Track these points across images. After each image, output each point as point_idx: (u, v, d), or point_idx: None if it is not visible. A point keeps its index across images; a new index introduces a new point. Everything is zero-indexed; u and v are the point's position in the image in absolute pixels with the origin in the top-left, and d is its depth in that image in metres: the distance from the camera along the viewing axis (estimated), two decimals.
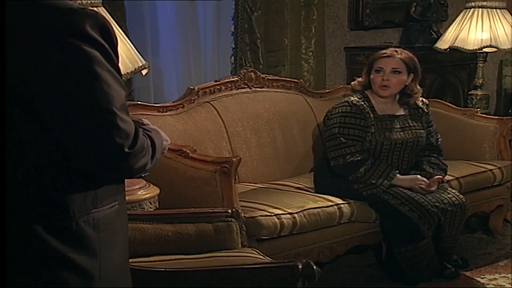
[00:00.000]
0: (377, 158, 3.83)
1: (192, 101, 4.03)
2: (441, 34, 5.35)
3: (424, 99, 4.09)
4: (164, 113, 3.89)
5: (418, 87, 3.99)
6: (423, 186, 3.81)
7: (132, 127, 1.65)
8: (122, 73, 3.11)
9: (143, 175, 1.78)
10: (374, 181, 3.76)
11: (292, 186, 3.96)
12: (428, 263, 3.80)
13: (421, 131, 3.99)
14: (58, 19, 1.58)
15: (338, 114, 3.87)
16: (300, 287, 2.31)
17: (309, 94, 4.55)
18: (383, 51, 3.96)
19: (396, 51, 3.95)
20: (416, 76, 3.96)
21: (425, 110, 4.06)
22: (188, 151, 3.47)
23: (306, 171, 4.26)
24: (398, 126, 3.93)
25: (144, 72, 3.45)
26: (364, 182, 3.77)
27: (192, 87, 4.07)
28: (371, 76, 3.94)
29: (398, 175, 3.82)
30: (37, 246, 1.62)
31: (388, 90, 3.91)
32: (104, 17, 1.65)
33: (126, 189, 1.83)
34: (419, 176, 3.86)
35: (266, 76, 4.38)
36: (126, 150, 1.62)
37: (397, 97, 3.98)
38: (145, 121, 1.93)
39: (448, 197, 3.85)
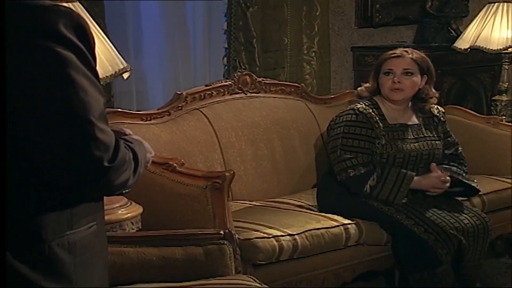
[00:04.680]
0: (389, 169, 3.83)
1: (180, 108, 4.04)
2: (461, 32, 5.37)
3: (439, 107, 4.11)
4: (148, 122, 3.90)
5: (433, 90, 4.01)
6: (435, 187, 3.84)
7: (112, 138, 1.66)
8: (101, 77, 3.13)
9: (124, 191, 1.78)
10: (384, 198, 3.78)
11: (292, 204, 3.96)
12: None
13: (437, 142, 4.00)
14: (28, 18, 1.60)
15: (342, 124, 3.88)
16: None
17: (311, 100, 4.56)
18: (392, 51, 3.98)
19: (406, 51, 3.98)
20: (430, 78, 3.99)
21: (441, 118, 4.08)
22: (175, 164, 3.48)
23: (308, 187, 4.27)
24: (412, 137, 3.94)
25: (125, 75, 3.46)
26: (376, 199, 3.78)
27: (179, 92, 4.08)
28: (380, 79, 3.96)
29: (414, 178, 3.83)
30: (5, 274, 1.62)
31: (401, 93, 3.93)
32: (80, 15, 1.66)
33: (105, 207, 1.84)
34: (431, 174, 3.86)
35: (263, 80, 4.39)
36: (106, 164, 1.63)
37: (410, 103, 4.00)
38: (127, 131, 1.94)
39: (469, 216, 3.86)
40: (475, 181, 4.02)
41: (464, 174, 4.02)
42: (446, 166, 3.99)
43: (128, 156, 1.72)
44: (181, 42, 4.76)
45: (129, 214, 3.19)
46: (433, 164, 3.90)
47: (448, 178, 3.88)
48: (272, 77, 4.72)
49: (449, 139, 4.09)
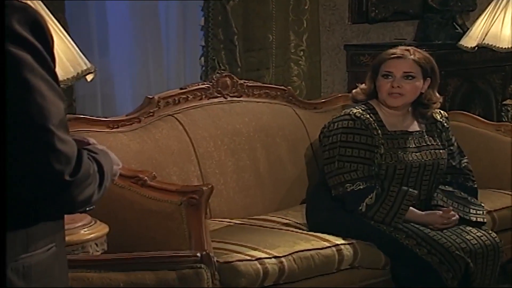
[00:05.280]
0: (389, 186, 3.84)
1: (151, 113, 4.04)
2: (468, 28, 5.39)
3: (442, 112, 4.12)
4: (115, 130, 3.90)
5: (437, 95, 4.02)
6: (440, 225, 3.84)
7: (73, 149, 1.66)
8: (61, 79, 3.12)
9: (87, 209, 1.78)
10: (381, 219, 3.78)
11: (278, 222, 3.97)
12: None
13: (441, 151, 4.01)
14: None
15: (338, 131, 3.89)
16: None
17: (300, 104, 4.57)
18: (392, 51, 3.99)
19: (408, 51, 3.99)
20: (433, 81, 4.00)
21: (445, 124, 4.09)
22: (145, 177, 3.48)
23: (296, 203, 4.27)
24: (413, 145, 3.95)
25: (89, 77, 3.46)
26: (371, 219, 3.79)
27: (150, 96, 4.08)
28: (378, 82, 3.97)
29: (412, 209, 3.84)
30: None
31: (400, 98, 3.93)
32: (36, 10, 1.66)
33: (65, 227, 1.84)
34: (437, 212, 3.88)
35: (245, 82, 4.40)
36: (67, 177, 1.63)
37: (410, 108, 4.01)
38: (91, 140, 1.94)
39: (478, 236, 3.87)
40: (480, 210, 4.01)
41: (471, 190, 4.03)
42: (449, 190, 4.00)
43: (92, 169, 1.72)
44: (152, 39, 4.76)
45: (93, 235, 3.18)
46: (449, 209, 3.91)
47: (456, 217, 3.89)
48: (255, 79, 4.73)
49: (452, 148, 4.09)
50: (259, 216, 4.08)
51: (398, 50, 3.99)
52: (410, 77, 3.94)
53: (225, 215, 4.05)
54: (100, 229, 3.22)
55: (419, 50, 4.05)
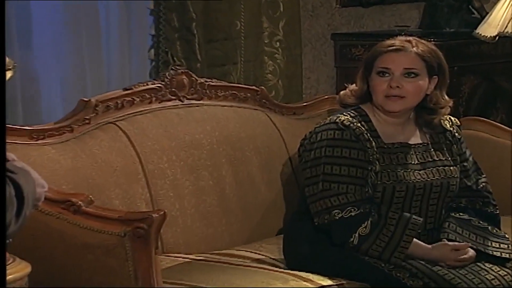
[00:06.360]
0: (387, 212, 3.85)
1: (87, 121, 4.03)
2: (487, 13, 5.42)
3: (453, 118, 4.14)
4: (40, 141, 3.88)
5: (446, 97, 4.04)
6: (452, 261, 3.85)
7: None
8: None
9: None
10: (377, 254, 3.79)
11: (249, 258, 3.98)
12: None
13: (452, 168, 4.03)
14: None
15: (322, 144, 3.89)
16: None
17: (275, 109, 4.58)
18: (389, 43, 3.99)
19: (409, 42, 4.00)
20: (441, 80, 4.01)
21: (456, 134, 4.11)
22: (79, 202, 3.47)
23: (271, 234, 4.29)
24: (416, 161, 3.96)
25: (7, 75, 3.45)
26: (365, 254, 3.80)
27: (86, 99, 4.08)
28: (372, 81, 3.98)
29: (417, 241, 3.85)
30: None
31: (400, 102, 3.94)
32: None
33: None
34: (449, 243, 3.89)
35: (206, 81, 4.40)
36: None
37: (412, 115, 4.03)
38: (9, 155, 1.94)
39: (500, 275, 3.88)
40: (504, 243, 4.02)
41: (491, 217, 4.05)
42: (464, 217, 4.01)
43: (8, 192, 1.72)
44: (88, 28, 4.75)
45: (11, 276, 3.15)
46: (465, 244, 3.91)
47: (472, 252, 3.89)
48: (219, 77, 4.73)
49: (466, 164, 4.10)
50: (224, 251, 4.09)
51: (397, 41, 4.00)
52: (412, 75, 3.94)
53: (181, 249, 4.05)
54: (19, 269, 3.20)
55: (423, 41, 4.05)
